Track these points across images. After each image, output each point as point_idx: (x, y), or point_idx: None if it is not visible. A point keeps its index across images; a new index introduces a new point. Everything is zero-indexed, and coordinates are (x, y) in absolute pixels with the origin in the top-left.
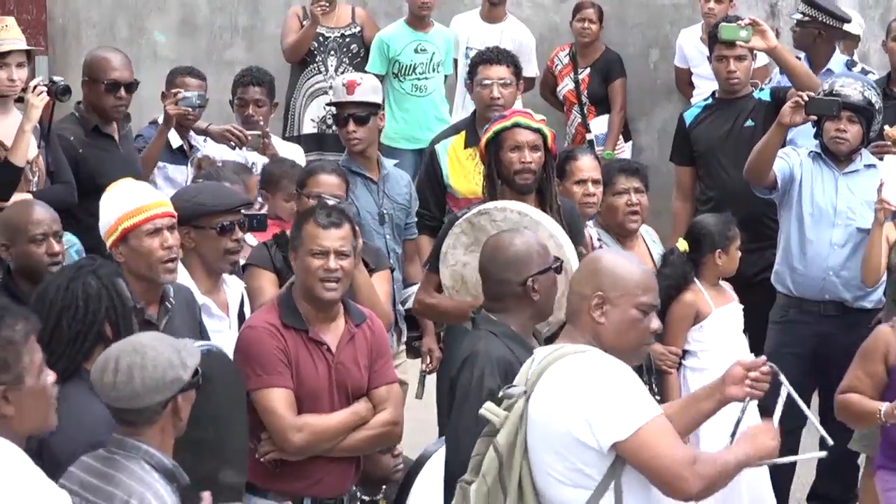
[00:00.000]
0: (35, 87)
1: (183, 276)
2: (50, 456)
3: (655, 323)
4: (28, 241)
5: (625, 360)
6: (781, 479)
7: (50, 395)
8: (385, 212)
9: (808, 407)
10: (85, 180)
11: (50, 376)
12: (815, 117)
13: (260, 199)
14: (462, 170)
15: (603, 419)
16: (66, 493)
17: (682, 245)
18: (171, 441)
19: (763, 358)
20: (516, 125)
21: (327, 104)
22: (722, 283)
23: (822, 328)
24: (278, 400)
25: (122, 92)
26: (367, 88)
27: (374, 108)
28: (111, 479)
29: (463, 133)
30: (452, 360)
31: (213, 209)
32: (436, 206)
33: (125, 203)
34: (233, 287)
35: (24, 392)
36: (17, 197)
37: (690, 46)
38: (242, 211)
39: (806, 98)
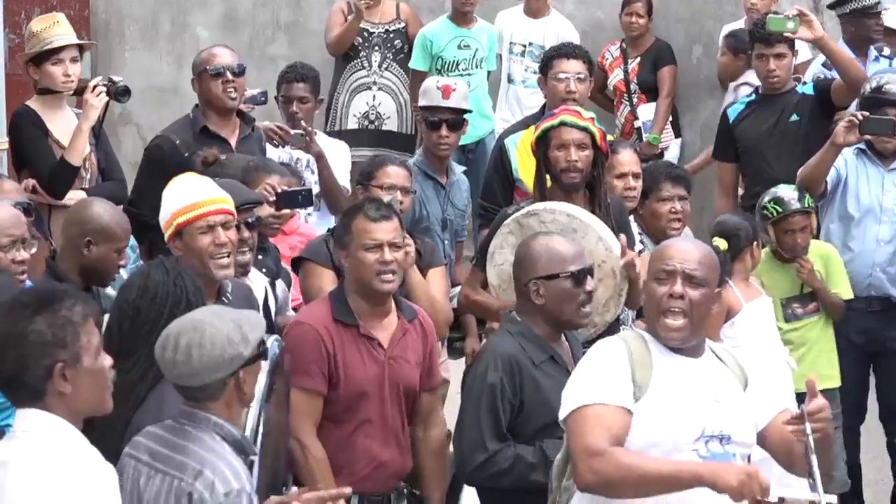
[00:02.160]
0: (95, 87)
1: None
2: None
3: (676, 287)
4: (114, 250)
5: (660, 338)
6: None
7: (106, 377)
8: (448, 218)
9: (866, 405)
10: None
11: (107, 360)
12: (869, 137)
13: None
14: (532, 164)
15: (564, 396)
16: (113, 470)
17: (723, 244)
18: (240, 412)
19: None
20: (563, 123)
21: (420, 106)
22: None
23: (868, 324)
24: (301, 403)
25: (229, 76)
26: (461, 95)
27: (465, 114)
28: (182, 450)
29: (532, 127)
30: None
31: None
32: (503, 199)
33: (181, 199)
34: (256, 283)
35: (81, 371)
36: (71, 195)
37: None
38: (283, 188)
39: (860, 117)
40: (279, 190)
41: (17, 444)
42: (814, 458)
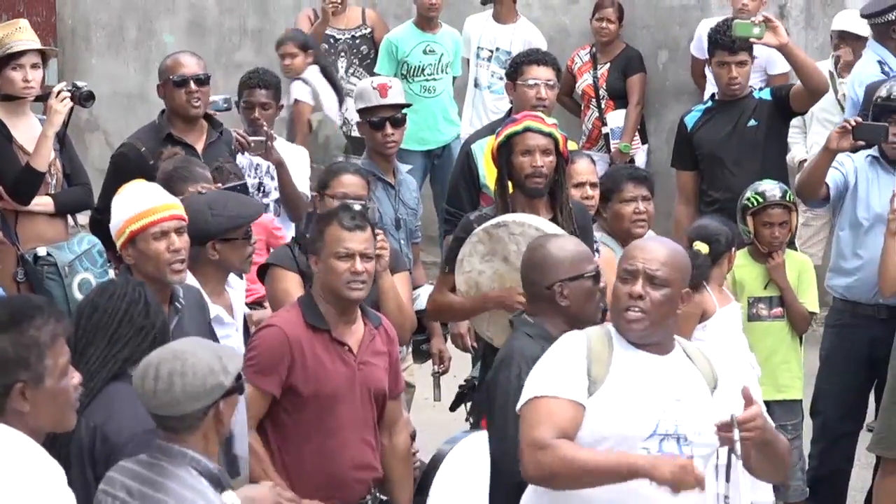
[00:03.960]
0: (59, 93)
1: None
2: (104, 441)
3: (636, 287)
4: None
5: (622, 333)
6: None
7: (69, 396)
8: (400, 217)
9: (866, 410)
10: None
11: (74, 378)
12: (863, 143)
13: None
14: None
15: (524, 387)
16: (71, 493)
17: (704, 248)
18: (216, 446)
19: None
20: (527, 129)
21: (358, 109)
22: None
23: (875, 332)
24: (251, 399)
25: (192, 86)
26: (397, 91)
27: (404, 109)
28: (160, 487)
29: None
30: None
31: (244, 220)
32: (469, 205)
33: (133, 206)
34: (236, 288)
35: (41, 391)
36: (37, 200)
37: None
38: (222, 186)
39: (853, 123)
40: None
41: None
42: (739, 465)
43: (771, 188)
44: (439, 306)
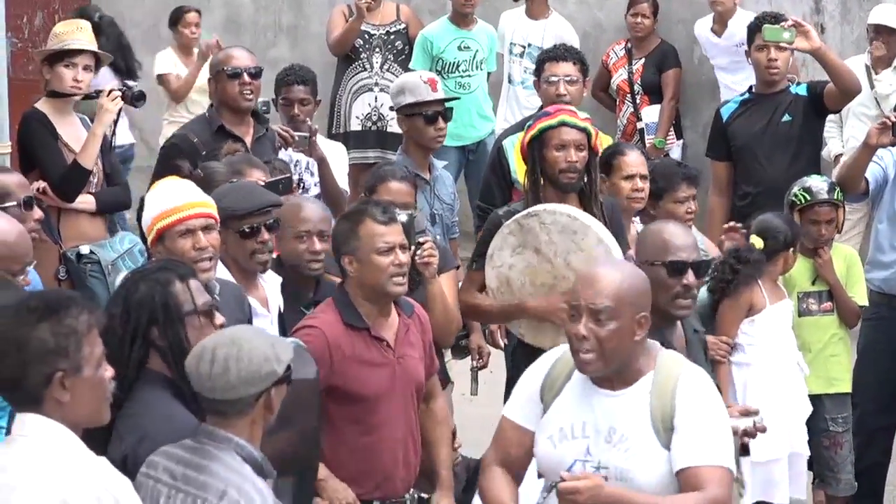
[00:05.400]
0: (110, 92)
1: (222, 274)
2: (136, 464)
3: (580, 328)
4: (293, 236)
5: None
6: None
7: (106, 388)
8: (436, 212)
9: None
10: None
11: (108, 371)
12: None
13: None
14: None
15: None
16: (127, 480)
17: (759, 243)
18: (260, 434)
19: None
20: (563, 124)
21: (409, 103)
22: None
23: None
24: None
25: (246, 77)
26: (442, 86)
27: (448, 103)
28: (204, 469)
29: None
30: None
31: (235, 213)
32: (501, 201)
33: (161, 203)
34: (270, 282)
35: (80, 381)
36: (80, 198)
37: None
38: (263, 180)
39: (893, 119)
40: (261, 183)
41: (16, 448)
42: None
43: (818, 185)
44: (467, 307)
